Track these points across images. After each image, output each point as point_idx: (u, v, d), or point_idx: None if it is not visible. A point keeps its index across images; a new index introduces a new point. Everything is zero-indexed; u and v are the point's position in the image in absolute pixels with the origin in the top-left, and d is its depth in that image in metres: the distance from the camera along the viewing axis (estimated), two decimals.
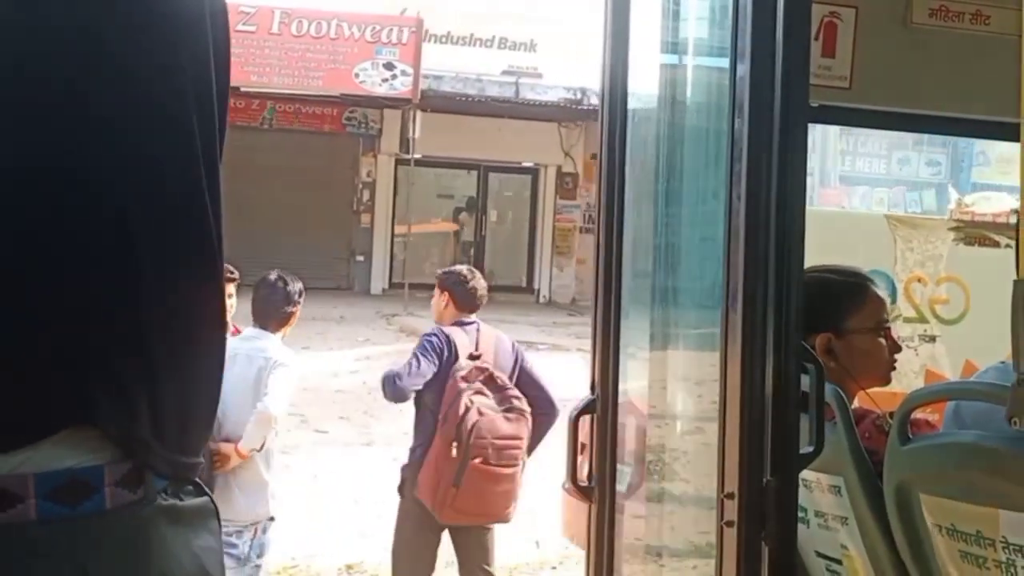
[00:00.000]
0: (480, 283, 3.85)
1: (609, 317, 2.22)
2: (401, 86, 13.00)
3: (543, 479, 4.95)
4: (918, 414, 1.88)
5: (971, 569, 1.46)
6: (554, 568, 5.08)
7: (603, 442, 2.22)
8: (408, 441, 3.82)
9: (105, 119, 0.90)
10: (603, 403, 2.22)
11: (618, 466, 2.22)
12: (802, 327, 1.99)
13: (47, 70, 0.88)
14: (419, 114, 13.19)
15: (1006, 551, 1.37)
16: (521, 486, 3.66)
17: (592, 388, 2.25)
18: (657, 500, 2.22)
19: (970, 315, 2.96)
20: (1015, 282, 1.35)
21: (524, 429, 3.61)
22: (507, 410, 3.61)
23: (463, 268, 3.92)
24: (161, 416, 0.93)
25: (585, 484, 2.21)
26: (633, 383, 2.29)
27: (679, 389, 2.20)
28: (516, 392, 3.66)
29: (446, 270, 3.93)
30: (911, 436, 1.59)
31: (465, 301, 3.79)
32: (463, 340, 3.70)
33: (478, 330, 3.77)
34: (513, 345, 3.85)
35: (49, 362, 0.88)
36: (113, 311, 0.90)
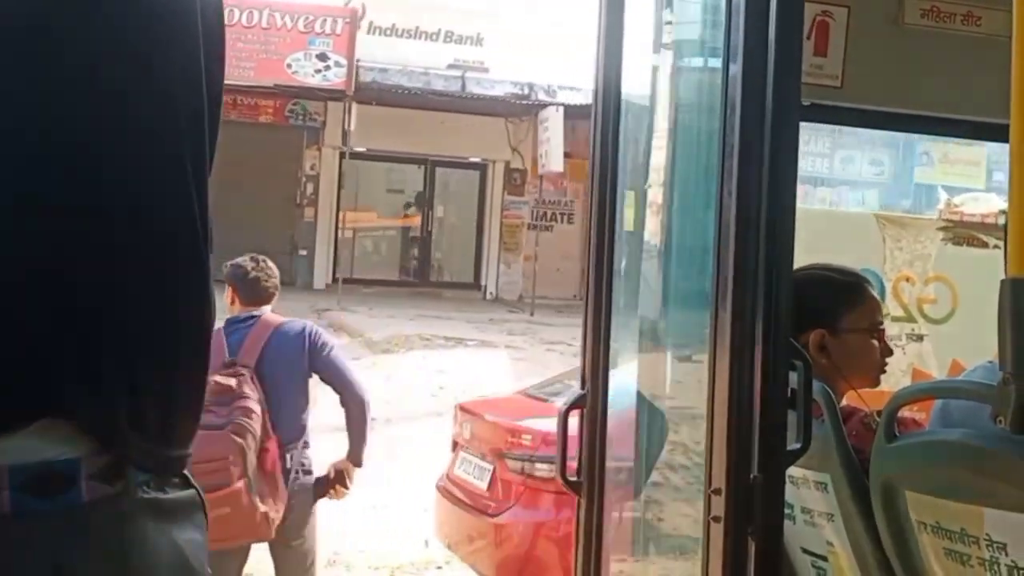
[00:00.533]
0: (266, 273, 3.55)
1: (600, 312, 2.22)
2: (335, 77, 12.79)
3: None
4: (905, 413, 1.90)
5: (955, 566, 1.47)
6: (439, 568, 5.04)
7: (592, 437, 2.23)
8: None
9: (95, 116, 0.90)
10: (593, 398, 2.23)
11: (607, 461, 2.23)
12: (791, 324, 2.01)
13: (36, 71, 0.87)
14: (355, 107, 12.97)
15: (989, 548, 1.38)
16: (254, 499, 3.29)
17: (582, 383, 2.26)
18: (645, 495, 2.23)
19: (958, 314, 2.97)
20: (1002, 281, 1.35)
21: (230, 446, 3.25)
22: (220, 427, 3.26)
23: (247, 259, 3.58)
24: (142, 408, 0.92)
25: (574, 479, 2.22)
26: (623, 377, 2.30)
27: (669, 385, 2.21)
28: (248, 404, 3.31)
29: (231, 262, 3.60)
30: (897, 434, 1.60)
31: (249, 294, 3.50)
32: (218, 346, 3.33)
33: (252, 326, 3.45)
34: (304, 335, 3.50)
35: (21, 353, 0.87)
36: (91, 303, 0.90)
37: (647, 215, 2.31)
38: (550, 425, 4.51)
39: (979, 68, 2.34)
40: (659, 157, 2.31)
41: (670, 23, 2.32)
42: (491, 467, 4.40)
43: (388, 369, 9.39)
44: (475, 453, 4.58)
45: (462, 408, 4.91)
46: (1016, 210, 1.36)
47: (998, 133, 1.45)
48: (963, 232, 2.97)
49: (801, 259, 2.28)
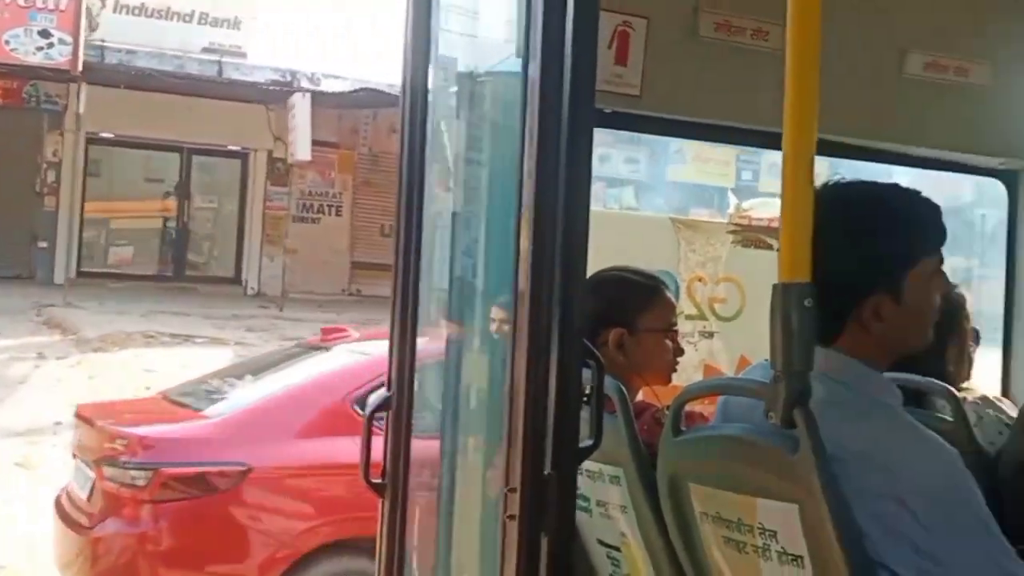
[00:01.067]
0: None
1: (407, 313, 2.21)
2: (59, 56, 12.03)
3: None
4: (695, 407, 1.99)
5: (733, 554, 1.56)
6: None
7: (397, 439, 2.22)
8: None
9: None
10: (399, 400, 2.21)
11: (411, 462, 2.22)
12: (591, 323, 2.07)
13: None
14: (89, 88, 12.24)
15: (762, 536, 1.47)
16: None
17: (388, 385, 2.24)
18: (449, 495, 2.24)
19: (745, 313, 3.16)
20: (774, 285, 1.44)
21: None
22: None
23: None
24: None
25: (378, 481, 2.20)
26: (429, 377, 2.29)
27: (473, 384, 2.22)
28: None
29: None
30: (683, 429, 1.68)
31: None
32: None
33: None
34: None
35: None
36: None
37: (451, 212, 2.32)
38: (151, 430, 4.24)
39: (767, 80, 2.47)
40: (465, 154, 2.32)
41: (476, 21, 2.33)
42: (92, 477, 4.12)
43: (94, 368, 8.88)
44: (84, 462, 4.31)
45: (78, 414, 4.56)
46: (787, 219, 1.44)
47: (778, 142, 1.54)
48: (751, 235, 3.17)
49: (604, 261, 2.36)
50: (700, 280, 3.11)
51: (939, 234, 1.53)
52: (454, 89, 2.39)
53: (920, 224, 1.52)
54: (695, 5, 2.51)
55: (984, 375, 2.86)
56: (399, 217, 2.25)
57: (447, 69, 2.34)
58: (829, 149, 2.76)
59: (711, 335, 3.12)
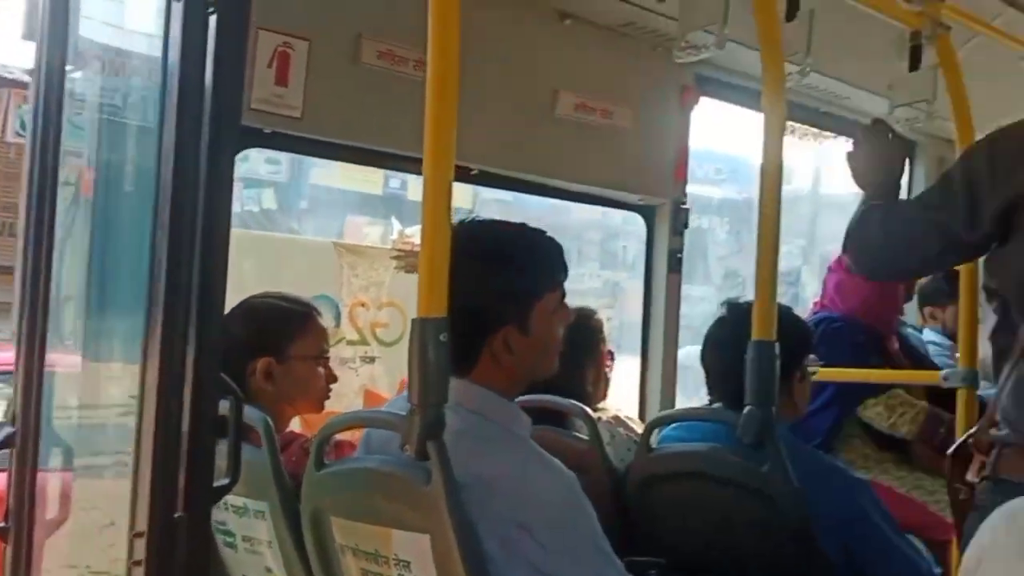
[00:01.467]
0: None
1: (34, 336, 2.03)
2: None
3: None
4: (357, 433, 1.98)
5: None
6: None
7: (22, 478, 2.02)
8: None
9: None
10: (23, 435, 2.02)
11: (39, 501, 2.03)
12: (237, 353, 2.00)
13: None
14: None
15: (397, 567, 1.49)
16: None
17: (12, 419, 2.04)
18: (79, 538, 2.07)
19: (407, 338, 3.19)
20: (412, 320, 1.47)
21: None
22: None
23: None
24: None
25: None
26: (60, 408, 2.11)
27: (104, 417, 2.08)
28: None
29: None
30: (327, 462, 1.66)
31: None
32: None
33: None
34: None
35: None
36: None
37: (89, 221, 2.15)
38: None
39: (422, 109, 2.55)
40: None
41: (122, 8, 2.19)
42: None
43: None
44: None
45: None
46: (425, 255, 1.48)
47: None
48: (413, 261, 3.21)
49: (264, 286, 2.30)
50: (362, 305, 3.12)
51: (561, 270, 1.63)
52: (96, 81, 2.22)
53: (546, 262, 1.62)
54: (358, 32, 2.52)
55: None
56: (27, 216, 2.05)
57: (88, 58, 2.17)
58: (486, 180, 2.90)
59: (373, 360, 3.14)
